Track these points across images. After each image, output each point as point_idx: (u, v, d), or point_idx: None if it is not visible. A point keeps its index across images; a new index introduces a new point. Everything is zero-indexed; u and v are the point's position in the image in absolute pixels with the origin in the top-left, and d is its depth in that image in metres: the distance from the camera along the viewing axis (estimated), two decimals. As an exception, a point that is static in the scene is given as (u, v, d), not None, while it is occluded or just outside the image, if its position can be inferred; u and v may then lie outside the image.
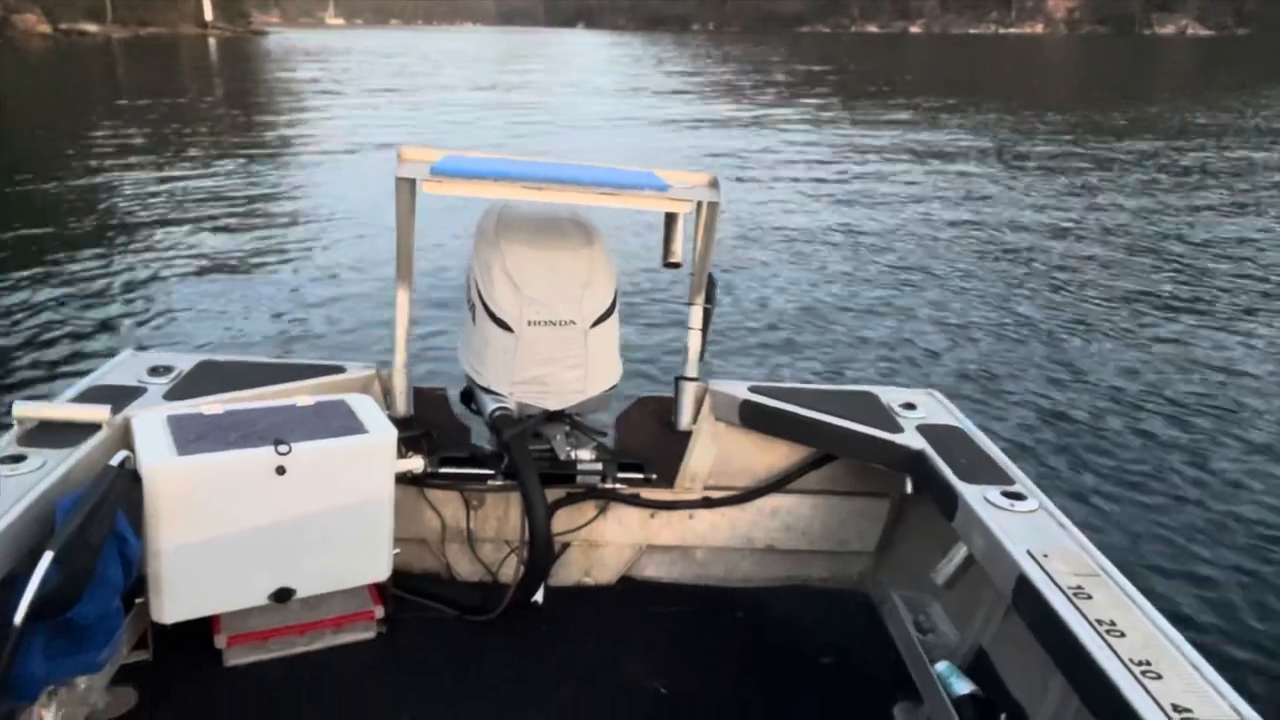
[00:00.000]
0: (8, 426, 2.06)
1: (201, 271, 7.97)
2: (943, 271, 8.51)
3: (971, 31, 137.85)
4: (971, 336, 6.70)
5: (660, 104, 25.88)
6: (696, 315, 2.49)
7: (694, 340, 2.50)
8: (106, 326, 6.52)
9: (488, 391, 2.36)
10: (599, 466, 2.43)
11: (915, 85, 35.14)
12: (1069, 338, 6.73)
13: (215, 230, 9.65)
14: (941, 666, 2.01)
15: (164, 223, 9.86)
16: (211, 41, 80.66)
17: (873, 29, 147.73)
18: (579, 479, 2.45)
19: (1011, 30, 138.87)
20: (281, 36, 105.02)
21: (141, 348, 2.66)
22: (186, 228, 9.67)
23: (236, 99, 27.83)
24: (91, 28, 78.12)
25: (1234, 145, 17.73)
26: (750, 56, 57.17)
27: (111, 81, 34.15)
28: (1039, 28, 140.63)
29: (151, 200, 11.13)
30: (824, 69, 43.95)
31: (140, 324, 6.56)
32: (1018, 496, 2.05)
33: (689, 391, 2.53)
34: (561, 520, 2.49)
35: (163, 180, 12.48)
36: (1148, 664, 1.51)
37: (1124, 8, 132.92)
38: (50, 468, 1.93)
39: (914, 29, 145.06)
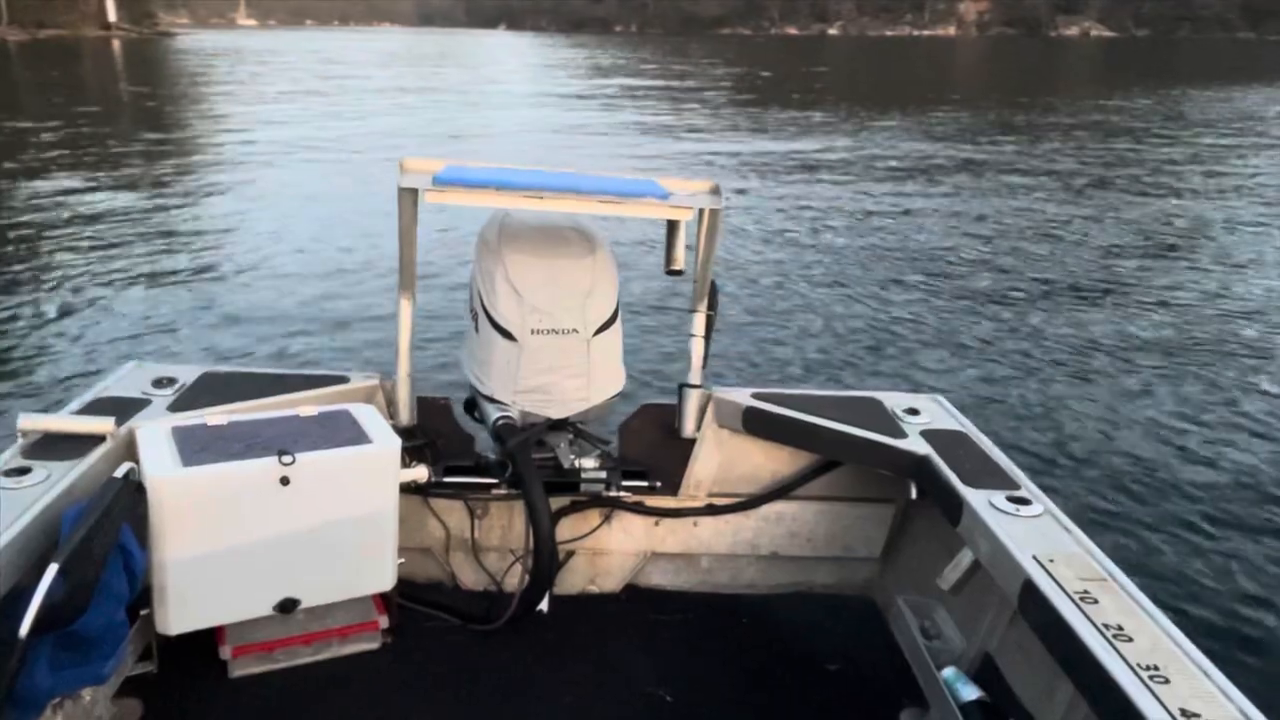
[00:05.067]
0: (12, 439, 2.03)
1: (198, 282, 7.79)
2: (935, 276, 8.48)
3: (887, 34, 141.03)
4: (973, 341, 6.69)
5: (602, 107, 25.66)
6: (699, 322, 2.49)
7: (697, 347, 2.50)
8: (107, 338, 6.36)
9: (491, 400, 2.35)
10: (603, 474, 2.43)
11: (861, 88, 35.51)
12: (1070, 341, 6.73)
13: (204, 239, 9.38)
14: (948, 672, 2.01)
15: (145, 234, 9.55)
16: (116, 44, 77.54)
17: (792, 31, 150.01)
18: (583, 487, 2.46)
19: (925, 32, 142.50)
20: (192, 38, 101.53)
21: (145, 360, 2.60)
22: (172, 238, 9.39)
23: (175, 104, 26.92)
24: (-14, 30, 74.49)
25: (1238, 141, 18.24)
26: (679, 59, 57.04)
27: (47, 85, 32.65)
28: (951, 30, 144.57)
29: (129, 210, 10.82)
30: (764, 72, 44.12)
31: (141, 336, 6.39)
32: (1023, 501, 2.06)
33: (692, 399, 2.54)
34: (566, 528, 2.49)
35: (127, 191, 12.10)
36: (1155, 668, 1.51)
37: (1031, 11, 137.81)
38: (55, 480, 1.91)
39: (832, 31, 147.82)
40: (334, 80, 36.63)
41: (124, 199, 11.61)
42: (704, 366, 2.53)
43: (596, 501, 2.52)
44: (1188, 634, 1.63)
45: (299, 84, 33.83)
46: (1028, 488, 2.14)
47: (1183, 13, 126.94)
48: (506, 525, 2.54)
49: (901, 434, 2.39)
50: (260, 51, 65.54)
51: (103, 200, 11.48)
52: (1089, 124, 21.95)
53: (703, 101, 27.92)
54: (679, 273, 2.46)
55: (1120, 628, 1.61)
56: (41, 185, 12.59)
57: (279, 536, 2.05)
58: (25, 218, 10.57)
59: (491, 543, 2.56)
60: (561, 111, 24.23)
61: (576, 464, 2.40)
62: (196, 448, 2.02)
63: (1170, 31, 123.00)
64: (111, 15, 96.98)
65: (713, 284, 2.47)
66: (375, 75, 40.47)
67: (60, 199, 11.60)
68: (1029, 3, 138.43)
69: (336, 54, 63.52)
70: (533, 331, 2.27)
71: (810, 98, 29.94)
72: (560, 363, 2.30)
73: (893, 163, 15.60)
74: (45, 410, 2.19)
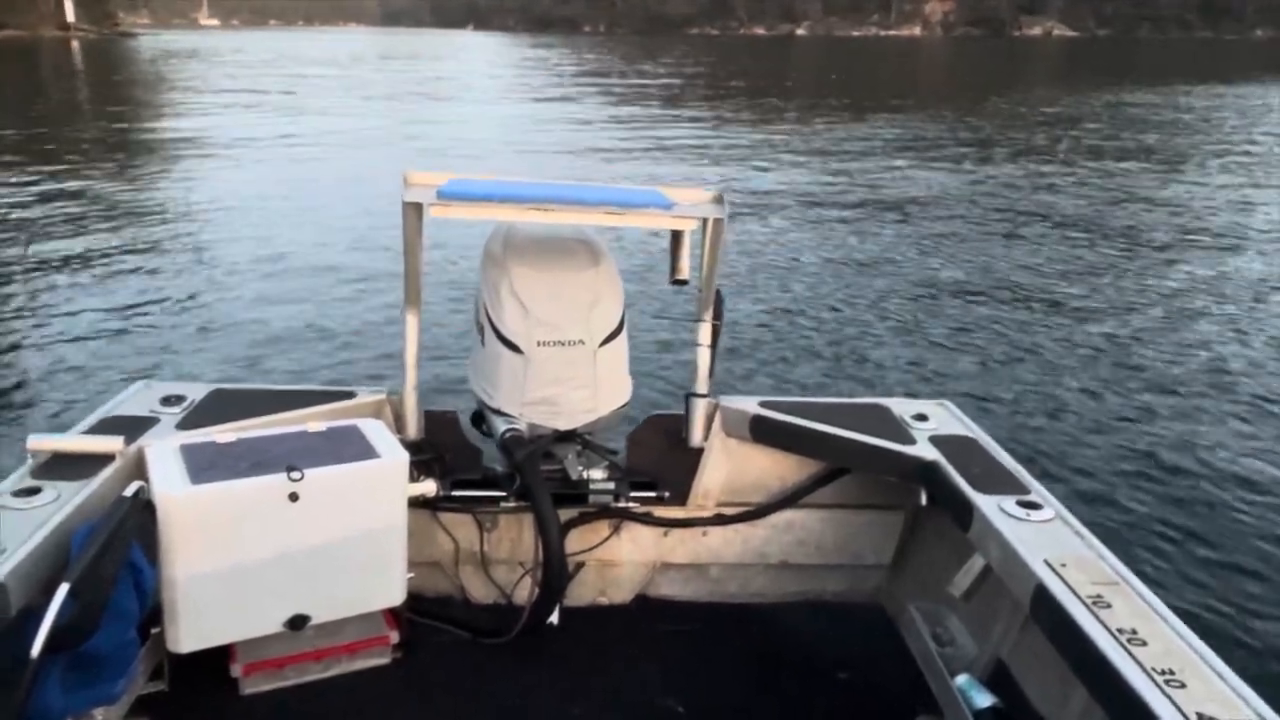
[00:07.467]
0: (22, 460, 2.02)
1: (205, 299, 7.67)
2: (938, 280, 8.44)
3: (854, 34, 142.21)
4: (980, 347, 6.66)
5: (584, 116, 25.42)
6: (705, 332, 2.49)
7: (703, 357, 2.49)
8: (115, 358, 6.28)
9: (498, 413, 2.34)
10: (611, 485, 2.42)
11: (834, 89, 35.53)
12: (1077, 345, 6.71)
13: (199, 251, 9.25)
14: (961, 679, 2.00)
15: (151, 247, 9.41)
16: (75, 45, 76.11)
17: (760, 31, 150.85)
18: (591, 499, 2.44)
19: (891, 32, 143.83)
20: (153, 39, 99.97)
21: (153, 378, 2.57)
22: (176, 252, 9.25)
23: (141, 107, 26.55)
24: (-60, 32, 72.95)
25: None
26: (654, 60, 56.84)
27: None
28: (916, 30, 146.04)
29: (134, 223, 10.61)
30: (735, 75, 44.20)
31: (149, 355, 6.32)
32: (1033, 506, 2.05)
33: (699, 408, 2.53)
34: (575, 540, 2.49)
35: (129, 204, 11.86)
36: (1171, 672, 1.50)
37: (994, 11, 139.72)
38: (65, 500, 1.90)
39: (799, 31, 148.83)
40: (306, 82, 36.20)
41: (106, 210, 11.41)
42: (710, 376, 2.52)
43: (605, 513, 2.51)
44: (1202, 637, 1.62)
45: (269, 86, 33.39)
46: (1038, 492, 2.14)
47: (1143, 12, 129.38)
48: (515, 538, 2.53)
49: (910, 440, 2.38)
50: (224, 51, 64.69)
51: (82, 212, 11.31)
52: (1070, 121, 22.12)
53: (680, 103, 27.88)
54: (684, 283, 2.46)
55: (1134, 631, 1.60)
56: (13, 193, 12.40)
57: (288, 553, 2.04)
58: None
59: (500, 556, 2.55)
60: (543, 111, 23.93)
61: (585, 475, 2.39)
62: (205, 465, 2.01)
63: (1130, 30, 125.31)
64: (70, 15, 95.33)
65: (718, 293, 2.46)
66: (348, 77, 40.04)
67: (37, 207, 11.43)
68: (992, 3, 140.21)
69: (304, 54, 62.79)
70: (539, 343, 2.26)
71: (785, 98, 30.04)
72: (567, 374, 2.29)
73: (883, 165, 15.64)
74: (54, 430, 2.16)
